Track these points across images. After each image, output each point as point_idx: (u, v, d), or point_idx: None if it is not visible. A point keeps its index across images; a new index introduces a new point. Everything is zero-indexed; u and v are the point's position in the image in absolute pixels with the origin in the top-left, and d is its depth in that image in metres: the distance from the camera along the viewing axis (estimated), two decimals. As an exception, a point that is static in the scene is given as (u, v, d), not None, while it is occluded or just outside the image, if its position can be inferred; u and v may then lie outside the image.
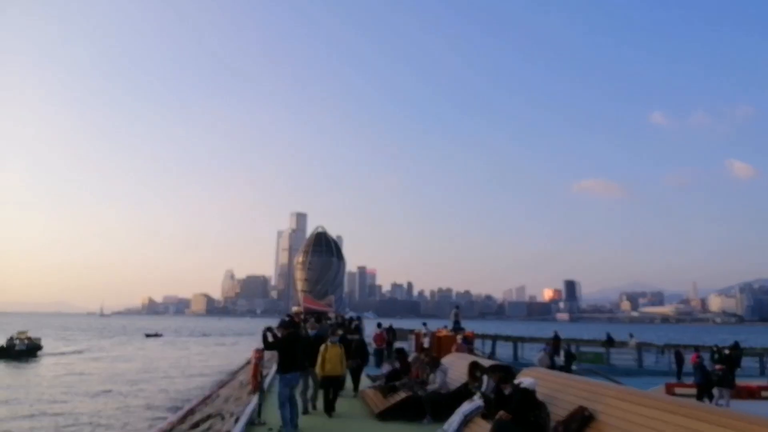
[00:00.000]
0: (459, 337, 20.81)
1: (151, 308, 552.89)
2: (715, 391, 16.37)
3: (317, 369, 10.69)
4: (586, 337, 40.86)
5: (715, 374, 16.47)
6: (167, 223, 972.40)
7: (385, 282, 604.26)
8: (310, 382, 11.12)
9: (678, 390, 18.59)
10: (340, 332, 14.06)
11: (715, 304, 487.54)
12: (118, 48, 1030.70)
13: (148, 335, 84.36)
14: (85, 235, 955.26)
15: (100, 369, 38.13)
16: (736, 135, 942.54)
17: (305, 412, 10.68)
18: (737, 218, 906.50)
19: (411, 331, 31.71)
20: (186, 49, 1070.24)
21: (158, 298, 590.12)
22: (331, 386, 10.86)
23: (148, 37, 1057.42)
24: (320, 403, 11.02)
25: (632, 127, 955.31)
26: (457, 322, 27.36)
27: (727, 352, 24.12)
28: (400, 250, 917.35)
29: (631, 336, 32.04)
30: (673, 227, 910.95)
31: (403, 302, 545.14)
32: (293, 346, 9.35)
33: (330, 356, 10.74)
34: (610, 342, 30.88)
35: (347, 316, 47.44)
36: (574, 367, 21.22)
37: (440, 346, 21.24)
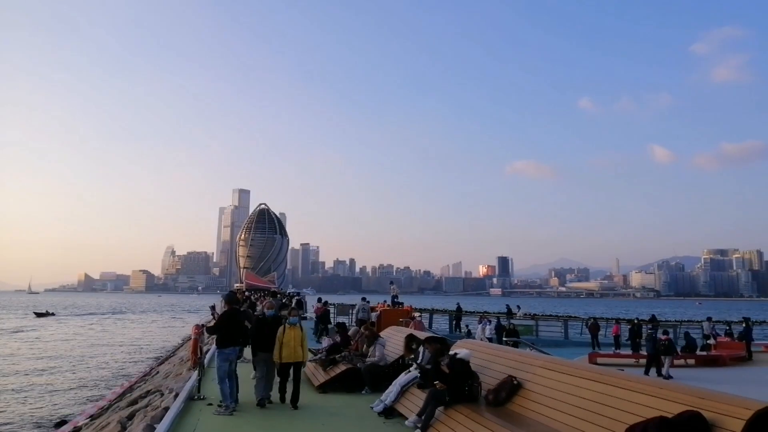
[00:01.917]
0: (417, 315, 21.34)
1: (88, 285, 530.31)
2: (665, 360, 17.83)
3: (274, 355, 9.31)
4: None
5: (662, 344, 17.89)
6: (105, 198, 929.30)
7: (327, 259, 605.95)
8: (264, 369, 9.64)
9: (600, 360, 19.90)
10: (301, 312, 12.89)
11: (635, 279, 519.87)
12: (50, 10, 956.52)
13: (38, 314, 76.36)
14: (16, 209, 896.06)
15: (30, 348, 36.31)
16: (658, 122, 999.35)
17: (260, 404, 9.30)
18: (657, 200, 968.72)
19: (352, 306, 32.28)
20: (123, 16, 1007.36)
21: (95, 275, 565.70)
22: (290, 374, 9.44)
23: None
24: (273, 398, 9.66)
25: (562, 112, 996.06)
26: (395, 297, 28.23)
27: (636, 321, 26.24)
28: (343, 227, 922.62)
29: (518, 308, 34.27)
30: (598, 208, 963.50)
31: (345, 278, 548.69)
32: (232, 321, 9.28)
33: (288, 340, 9.30)
34: (509, 313, 32.86)
35: (288, 292, 47.37)
36: (504, 339, 22.21)
37: (381, 320, 21.68)
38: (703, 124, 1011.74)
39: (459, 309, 33.01)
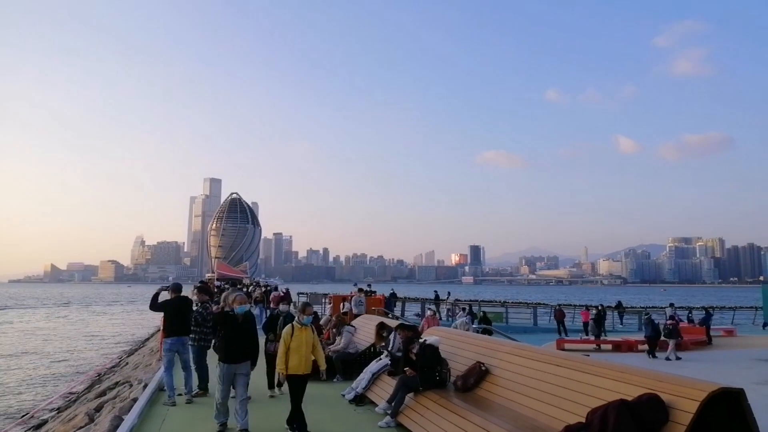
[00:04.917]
0: (430, 310, 21.16)
1: (55, 275, 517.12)
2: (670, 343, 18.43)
3: (278, 364, 7.04)
4: (487, 298, 43.68)
5: (666, 328, 18.45)
6: (72, 187, 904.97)
7: (301, 248, 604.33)
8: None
9: (567, 345, 20.40)
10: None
11: (603, 267, 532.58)
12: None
13: None
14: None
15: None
16: (623, 113, 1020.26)
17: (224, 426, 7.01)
18: (624, 190, 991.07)
19: (325, 296, 32.46)
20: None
21: (62, 265, 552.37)
22: (299, 391, 7.02)
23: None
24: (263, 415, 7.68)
25: (530, 103, 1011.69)
26: (368, 285, 28.90)
27: (596, 310, 26.85)
28: (317, 216, 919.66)
29: (449, 294, 35.15)
30: (567, 197, 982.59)
31: (319, 268, 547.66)
32: (177, 309, 9.02)
33: (297, 345, 6.94)
34: (436, 299, 33.54)
35: (257, 280, 46.97)
36: (474, 326, 22.52)
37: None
38: (666, 115, 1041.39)
39: (394, 295, 34.01)
